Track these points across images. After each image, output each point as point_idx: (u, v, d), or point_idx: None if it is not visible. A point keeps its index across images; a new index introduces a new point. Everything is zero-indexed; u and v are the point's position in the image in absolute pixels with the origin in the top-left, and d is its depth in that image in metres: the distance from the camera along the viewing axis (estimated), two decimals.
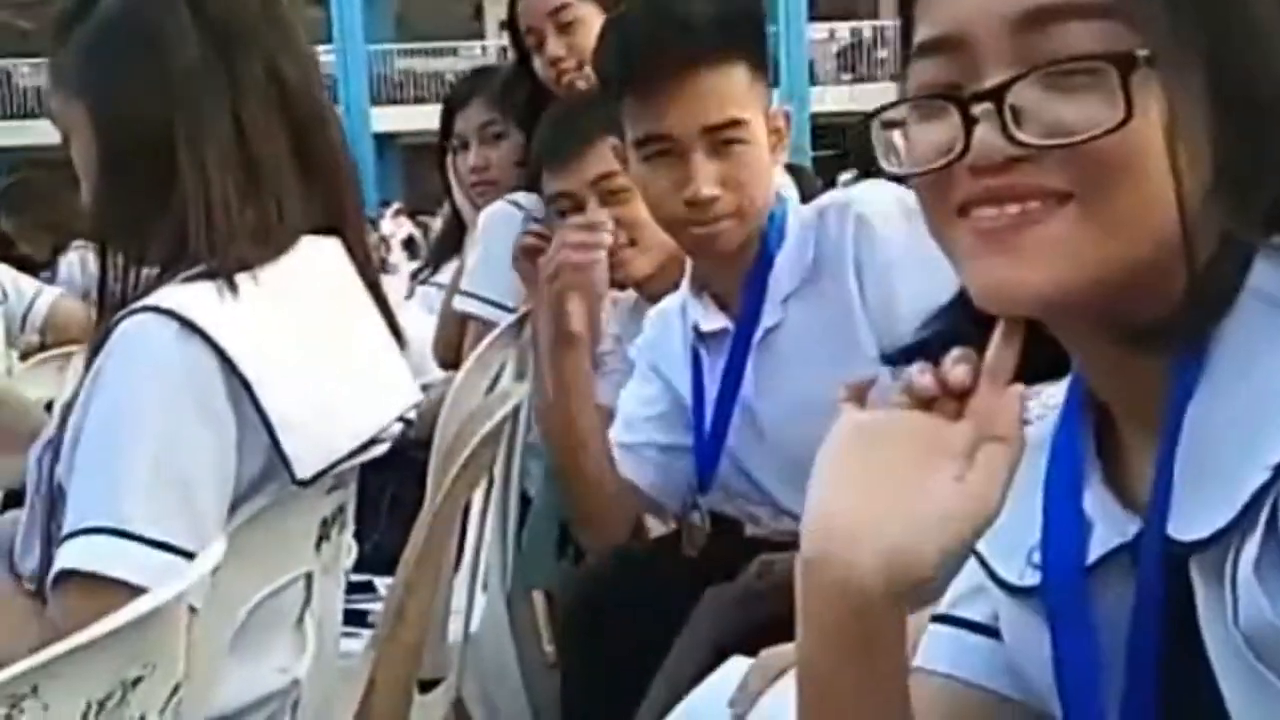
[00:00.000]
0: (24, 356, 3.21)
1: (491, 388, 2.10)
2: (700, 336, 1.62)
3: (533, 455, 2.58)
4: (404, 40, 23.73)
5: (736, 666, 1.21)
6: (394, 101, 22.34)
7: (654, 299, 2.00)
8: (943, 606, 0.84)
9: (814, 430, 1.57)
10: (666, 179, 1.47)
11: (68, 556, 1.01)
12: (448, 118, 2.59)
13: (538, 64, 2.28)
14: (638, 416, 1.72)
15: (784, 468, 1.59)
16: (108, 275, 1.17)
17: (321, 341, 1.16)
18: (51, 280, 3.67)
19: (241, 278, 1.09)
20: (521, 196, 2.27)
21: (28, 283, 3.26)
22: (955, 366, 0.69)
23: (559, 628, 2.02)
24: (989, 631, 0.81)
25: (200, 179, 1.12)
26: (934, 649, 0.84)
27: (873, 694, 0.70)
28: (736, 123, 1.45)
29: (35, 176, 4.16)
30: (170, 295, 1.06)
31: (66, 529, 1.02)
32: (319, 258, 1.20)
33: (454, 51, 24.21)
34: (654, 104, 1.45)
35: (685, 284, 1.65)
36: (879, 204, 1.49)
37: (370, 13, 21.97)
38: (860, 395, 0.75)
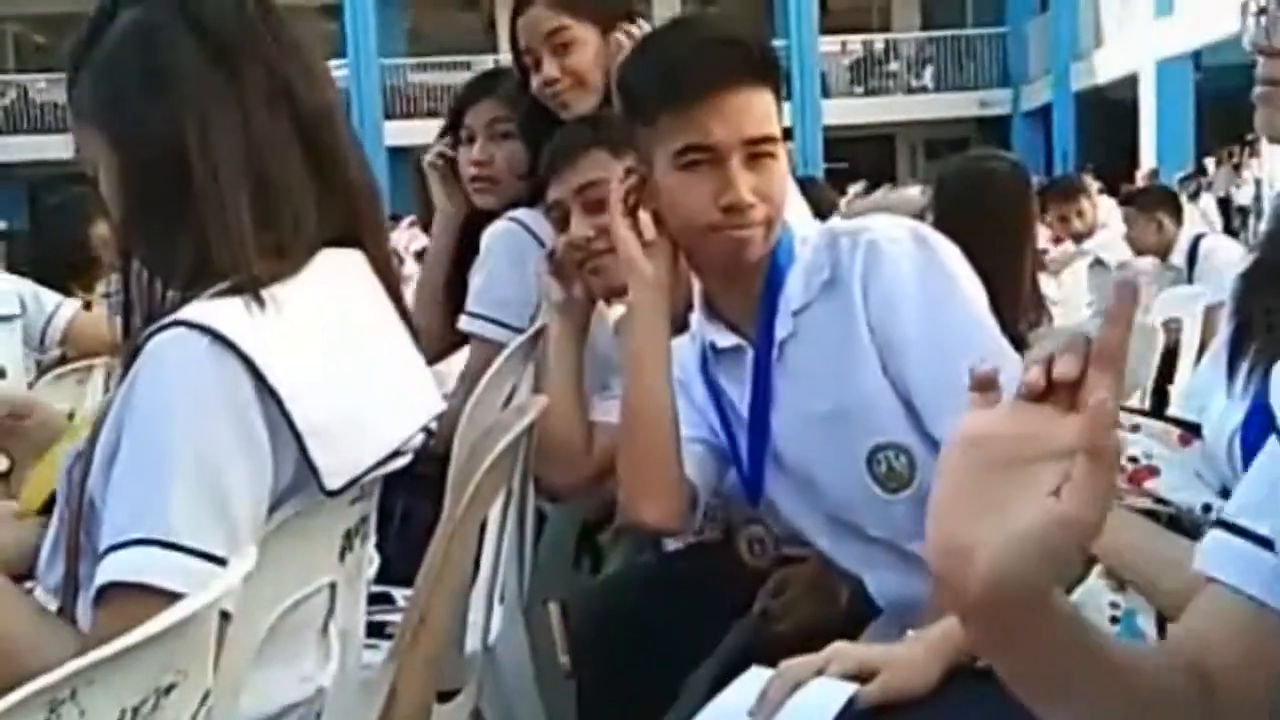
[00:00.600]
0: (44, 369, 3.23)
1: (507, 402, 2.11)
2: (716, 354, 1.64)
3: None
4: (417, 54, 23.80)
5: (756, 676, 1.22)
6: (407, 115, 22.39)
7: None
8: (1230, 513, 0.88)
9: (813, 444, 1.58)
10: (705, 186, 1.52)
11: (111, 569, 1.02)
12: (457, 115, 2.60)
13: (534, 83, 2.31)
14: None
15: (789, 482, 1.61)
16: (130, 292, 1.18)
17: (347, 353, 1.17)
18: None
19: (267, 292, 1.10)
20: (526, 215, 2.29)
21: (48, 295, 3.28)
22: (1063, 357, 0.70)
23: (575, 640, 2.03)
24: (1272, 546, 0.84)
25: (215, 196, 1.13)
26: (1222, 556, 0.87)
27: (1044, 668, 0.75)
28: (770, 138, 1.53)
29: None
30: (201, 310, 1.07)
31: (106, 543, 1.03)
32: (341, 270, 1.21)
33: (467, 65, 24.23)
34: (697, 116, 1.50)
35: (696, 308, 1.68)
36: (893, 234, 1.55)
37: (384, 27, 22.06)
38: (986, 384, 0.74)
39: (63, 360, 3.25)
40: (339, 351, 1.16)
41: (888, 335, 1.52)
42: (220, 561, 1.01)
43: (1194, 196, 12.17)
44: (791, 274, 1.58)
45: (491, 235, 2.32)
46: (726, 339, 1.62)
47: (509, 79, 2.56)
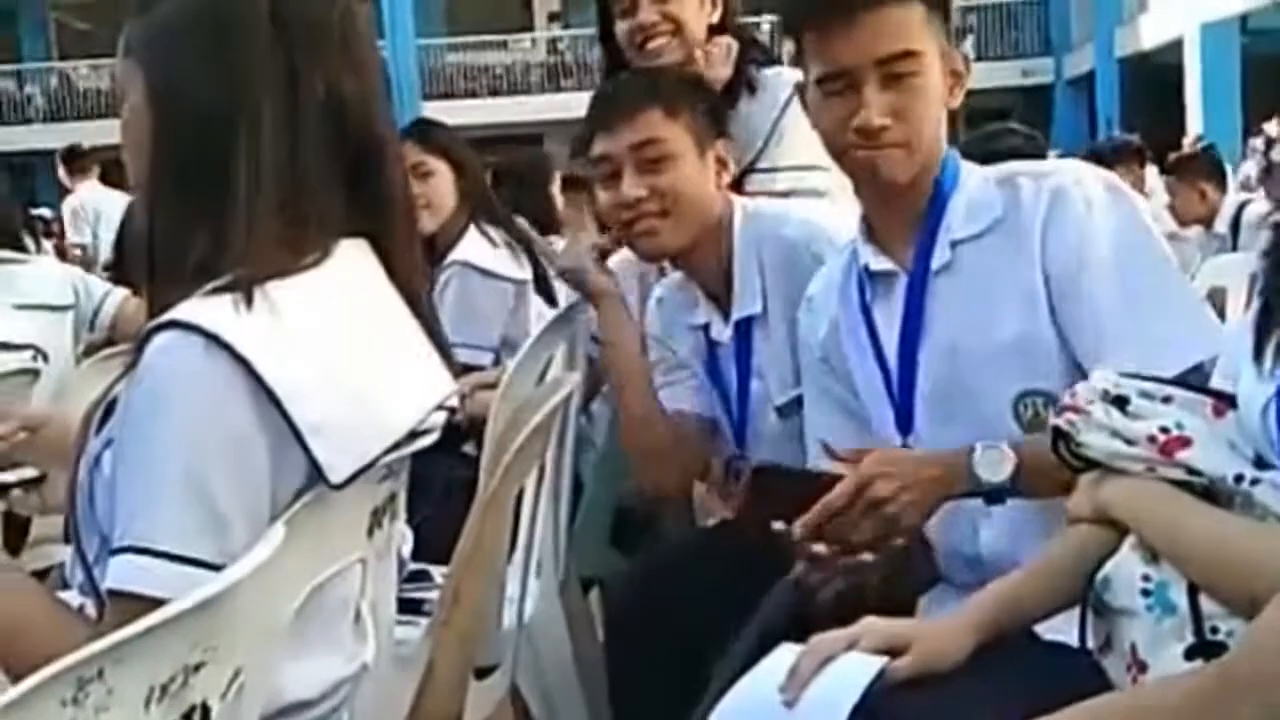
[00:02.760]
0: (87, 353, 3.27)
1: (542, 378, 2.11)
2: (870, 279, 1.63)
3: (586, 444, 2.61)
4: (454, 34, 23.81)
5: (787, 652, 1.22)
6: (445, 95, 22.42)
7: (697, 275, 2.02)
8: None
9: (960, 380, 1.59)
10: (840, 110, 1.53)
11: (109, 575, 1.04)
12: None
13: (621, 30, 2.33)
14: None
15: (932, 415, 1.58)
16: (156, 270, 1.18)
17: (349, 343, 1.16)
18: None
19: (267, 288, 1.09)
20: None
21: (97, 284, 3.32)
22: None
23: (609, 617, 2.04)
24: None
25: (253, 186, 1.12)
26: None
27: None
28: (910, 54, 1.51)
29: None
30: (197, 310, 1.07)
31: (112, 546, 1.05)
32: (345, 260, 1.20)
33: (503, 45, 24.28)
34: (832, 39, 1.52)
35: (856, 228, 1.68)
36: (1084, 181, 1.53)
37: (421, 7, 22.06)
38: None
39: (109, 343, 3.29)
40: (340, 343, 1.15)
41: (1069, 282, 1.49)
42: (211, 567, 1.01)
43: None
44: (954, 203, 1.58)
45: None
46: (881, 263, 1.61)
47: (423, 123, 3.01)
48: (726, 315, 1.98)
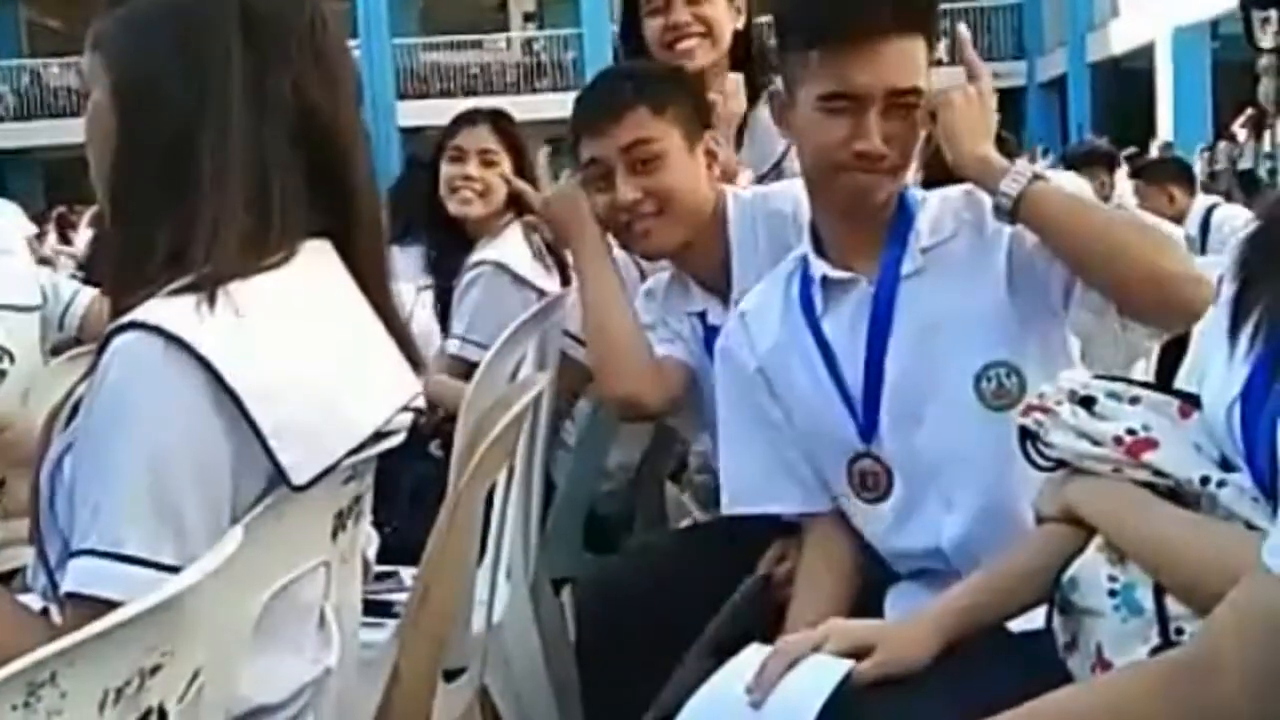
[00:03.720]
0: (55, 352, 3.24)
1: (513, 377, 2.11)
2: (823, 285, 1.65)
3: (559, 445, 2.60)
4: (429, 34, 23.76)
5: (754, 653, 1.22)
6: (420, 96, 22.37)
7: (696, 269, 2.01)
8: None
9: (923, 364, 1.65)
10: (841, 130, 1.55)
11: (68, 579, 1.03)
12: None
13: (651, 27, 2.34)
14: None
15: (895, 414, 1.59)
16: (119, 269, 1.16)
17: (313, 344, 1.15)
18: None
19: (229, 288, 1.08)
20: None
21: (66, 283, 3.29)
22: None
23: (579, 618, 2.03)
24: None
25: (219, 185, 1.12)
26: None
27: None
28: (915, 90, 1.56)
29: None
30: (157, 311, 1.05)
31: (72, 549, 1.04)
32: (308, 261, 1.19)
33: (479, 44, 24.23)
34: (845, 62, 1.53)
35: (805, 245, 1.70)
36: None
37: (395, 6, 22.01)
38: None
39: (77, 342, 3.27)
40: (303, 344, 1.14)
41: (1029, 244, 1.54)
42: (172, 570, 1.00)
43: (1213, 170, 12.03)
44: (922, 213, 1.63)
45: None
46: (839, 273, 1.63)
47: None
48: (725, 300, 1.97)
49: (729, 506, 1.73)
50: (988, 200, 1.56)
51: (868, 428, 1.61)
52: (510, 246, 2.79)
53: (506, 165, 2.84)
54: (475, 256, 2.77)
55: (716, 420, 1.80)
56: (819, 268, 1.65)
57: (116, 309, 1.11)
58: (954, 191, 1.65)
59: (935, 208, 1.64)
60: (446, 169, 2.85)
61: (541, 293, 2.71)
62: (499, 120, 2.92)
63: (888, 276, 1.60)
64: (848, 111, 1.54)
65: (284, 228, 1.16)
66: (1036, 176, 1.52)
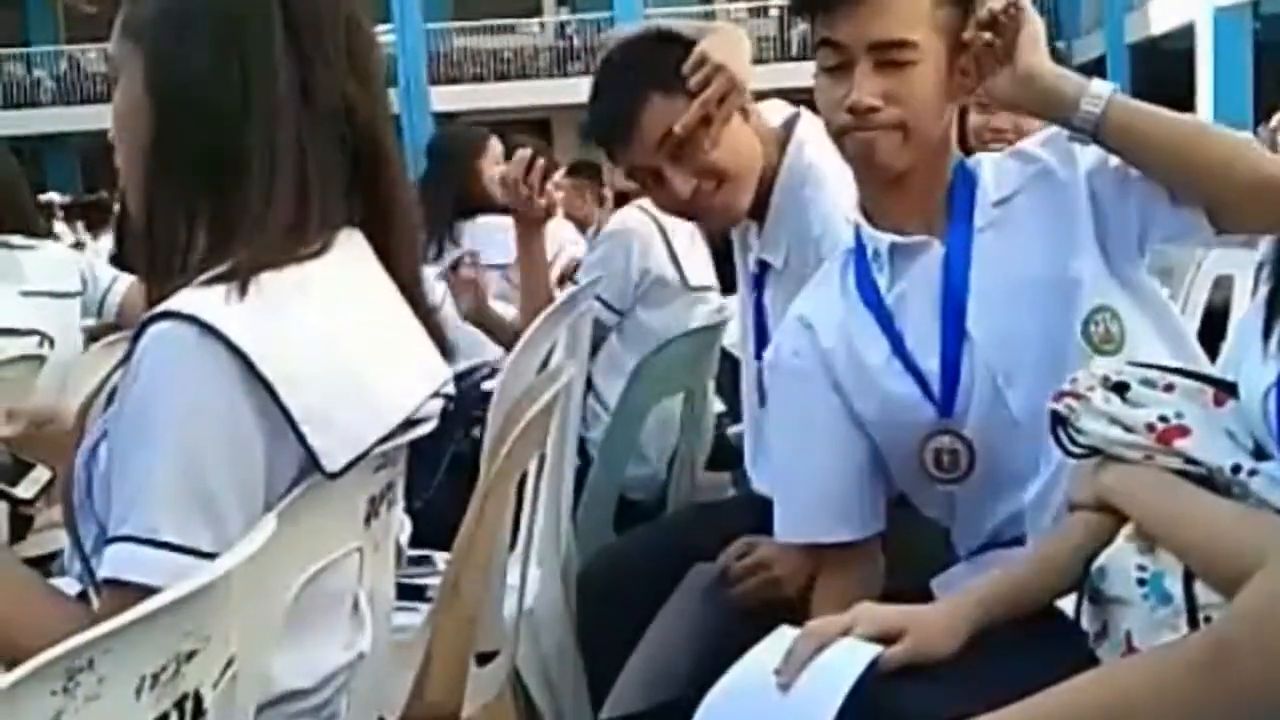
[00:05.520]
0: (94, 338, 3.28)
1: (543, 366, 2.11)
2: (891, 255, 1.60)
3: (594, 424, 2.62)
4: (461, 18, 23.77)
5: (782, 636, 1.22)
6: (452, 80, 22.39)
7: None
8: None
9: (1019, 319, 1.55)
10: (836, 91, 1.54)
11: (105, 565, 1.05)
12: None
13: None
14: None
15: (978, 370, 1.55)
16: (157, 257, 1.18)
17: (344, 332, 1.16)
18: None
19: (264, 276, 1.09)
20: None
21: (105, 269, 3.33)
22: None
23: (583, 603, 2.06)
24: None
25: (265, 187, 1.13)
26: None
27: None
28: (904, 44, 1.51)
29: None
30: (190, 300, 1.07)
31: (109, 535, 1.06)
32: (341, 250, 1.19)
33: (511, 29, 24.23)
34: (833, 18, 1.52)
35: (852, 226, 1.66)
36: None
37: None
38: None
39: (115, 328, 3.30)
40: (335, 332, 1.15)
41: (1109, 178, 1.52)
42: (208, 556, 1.02)
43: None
44: (984, 174, 1.59)
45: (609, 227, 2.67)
46: (906, 238, 1.58)
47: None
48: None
49: (781, 535, 1.70)
50: (1053, 147, 1.53)
51: (945, 402, 1.56)
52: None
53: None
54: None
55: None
56: (881, 240, 1.59)
57: (152, 299, 1.12)
58: (1006, 154, 1.62)
59: (994, 167, 1.60)
60: None
61: None
62: None
63: (959, 234, 1.56)
64: (840, 70, 1.52)
65: (322, 221, 1.17)
66: (1115, 92, 1.48)
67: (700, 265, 2.90)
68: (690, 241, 2.86)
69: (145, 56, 1.17)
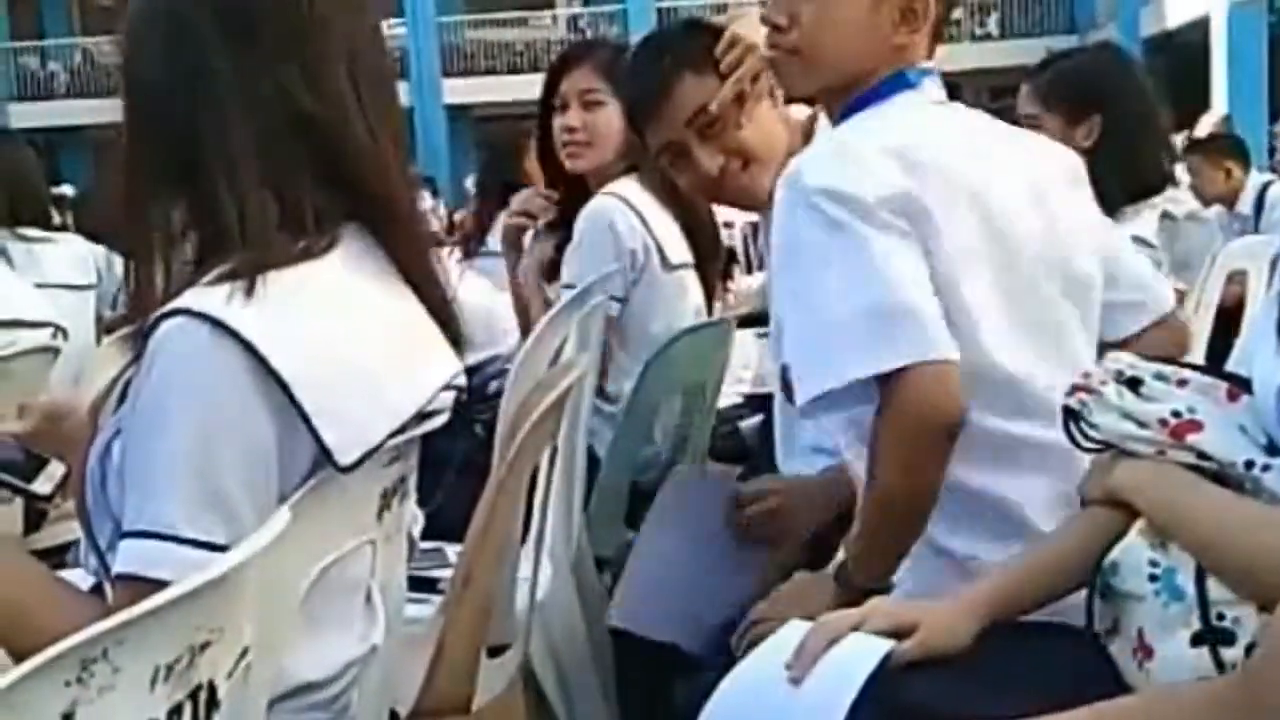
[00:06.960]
0: (109, 330, 3.29)
1: (555, 360, 2.11)
2: None
3: (603, 419, 2.61)
4: (474, 11, 23.75)
5: (794, 629, 1.22)
6: (465, 73, 22.39)
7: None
8: None
9: None
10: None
11: (119, 560, 1.05)
12: (554, 79, 2.64)
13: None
14: None
15: None
16: (139, 268, 1.18)
17: (354, 327, 1.17)
18: None
19: (272, 274, 1.10)
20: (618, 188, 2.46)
21: (120, 262, 3.34)
22: None
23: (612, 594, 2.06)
24: None
25: (231, 185, 1.13)
26: None
27: None
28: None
29: None
30: (201, 297, 1.07)
31: (123, 530, 1.07)
32: (347, 245, 1.20)
33: (524, 22, 24.20)
34: None
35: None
36: None
37: None
38: None
39: (128, 320, 3.30)
40: (345, 327, 1.15)
41: None
42: (222, 550, 1.02)
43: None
44: None
45: (584, 214, 2.48)
46: None
47: (605, 47, 2.70)
48: None
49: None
50: None
51: None
52: (626, 188, 2.51)
53: (614, 108, 2.47)
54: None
55: None
56: None
57: (140, 290, 1.15)
58: None
59: None
60: (554, 121, 2.59)
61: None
62: (600, 54, 2.60)
63: None
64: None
65: (319, 216, 1.17)
66: None
67: (675, 241, 2.64)
68: (663, 219, 2.61)
69: (120, 60, 1.21)
